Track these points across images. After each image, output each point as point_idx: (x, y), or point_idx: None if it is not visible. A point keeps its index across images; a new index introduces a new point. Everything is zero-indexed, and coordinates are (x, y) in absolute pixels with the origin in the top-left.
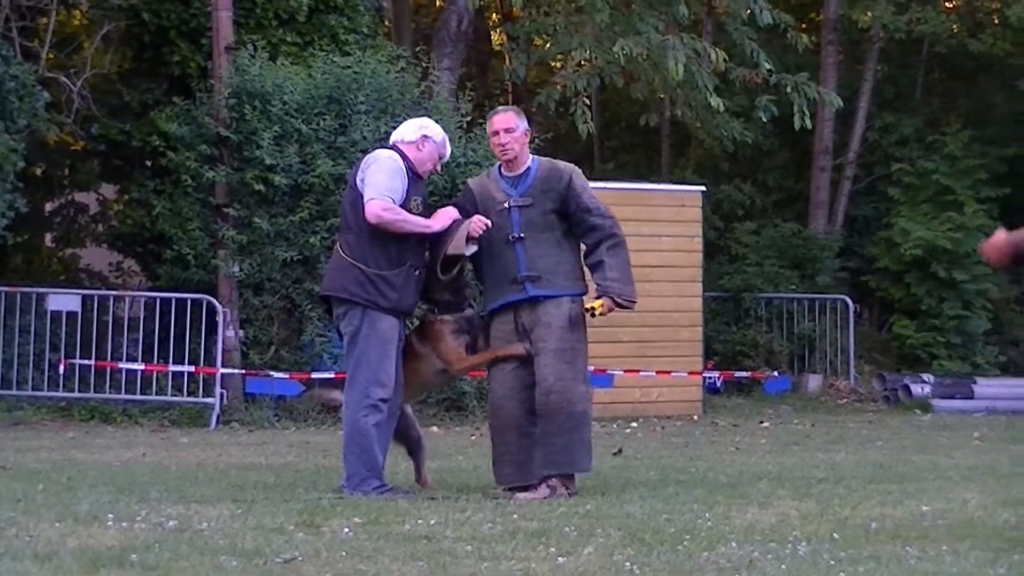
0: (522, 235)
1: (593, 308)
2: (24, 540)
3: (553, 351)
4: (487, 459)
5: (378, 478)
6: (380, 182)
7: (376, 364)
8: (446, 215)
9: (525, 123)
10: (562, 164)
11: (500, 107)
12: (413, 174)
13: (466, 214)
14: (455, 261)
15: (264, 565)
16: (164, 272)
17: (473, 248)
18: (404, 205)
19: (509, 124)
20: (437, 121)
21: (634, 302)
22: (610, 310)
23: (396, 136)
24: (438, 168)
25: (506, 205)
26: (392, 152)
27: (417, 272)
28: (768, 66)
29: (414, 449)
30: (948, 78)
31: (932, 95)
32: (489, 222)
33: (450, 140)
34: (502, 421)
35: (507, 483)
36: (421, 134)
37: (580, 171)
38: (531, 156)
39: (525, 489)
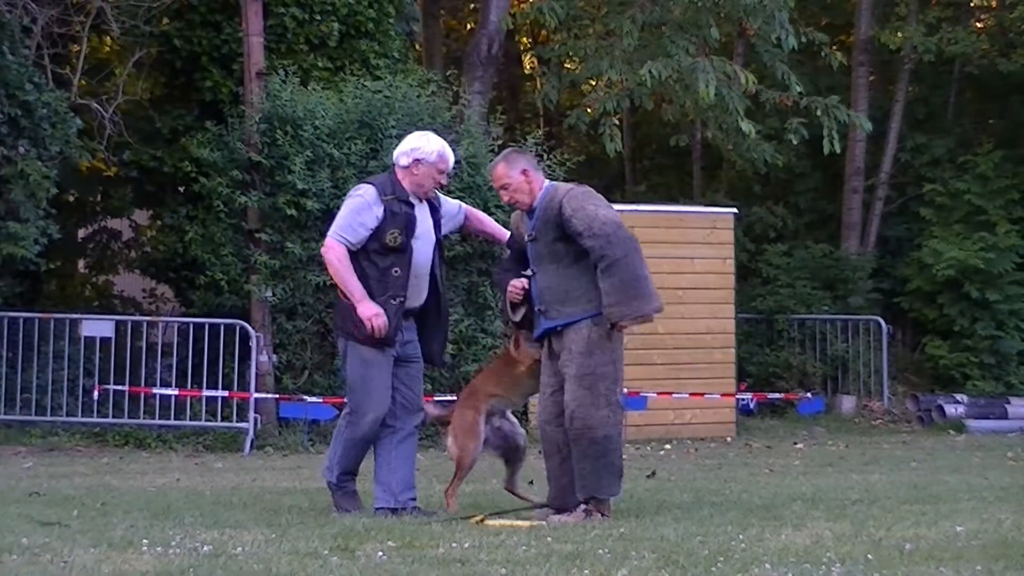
0: (535, 269)
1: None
2: (59, 566)
3: (573, 376)
4: (522, 482)
5: (341, 472)
6: (339, 219)
7: (361, 385)
8: (373, 310)
9: (521, 162)
10: (561, 189)
11: (496, 157)
12: (399, 203)
13: (514, 248)
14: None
15: None
16: (197, 298)
17: (522, 312)
18: (378, 238)
19: (502, 181)
20: (469, 145)
21: (643, 315)
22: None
23: (394, 156)
24: (443, 182)
25: (527, 239)
26: (367, 187)
27: (396, 301)
28: (799, 89)
29: (512, 459)
30: (979, 98)
31: (963, 115)
32: (524, 283)
33: (480, 164)
34: (545, 446)
35: (552, 505)
36: (412, 159)
37: (578, 192)
38: (544, 185)
39: (561, 511)
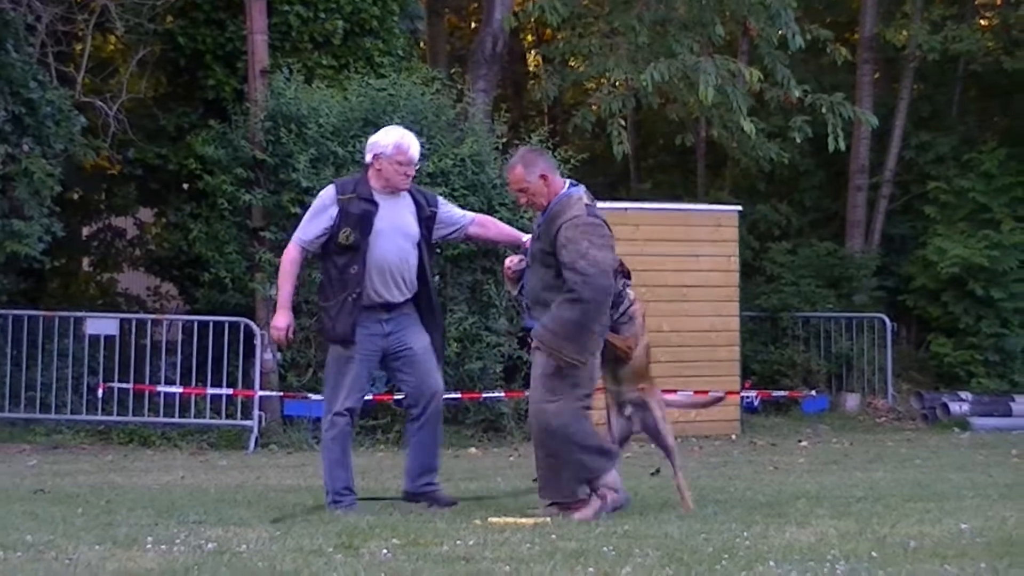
0: (528, 264)
1: None
2: (64, 563)
3: (537, 377)
4: (526, 480)
5: (334, 492)
6: (301, 224)
7: (333, 381)
8: (280, 322)
9: (540, 166)
10: (569, 211)
11: (513, 156)
12: (358, 201)
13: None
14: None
15: None
16: (201, 295)
17: (519, 286)
18: (333, 238)
19: (520, 185)
20: (473, 143)
21: (563, 357)
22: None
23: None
24: (409, 173)
25: (531, 234)
26: (329, 188)
27: (352, 298)
28: (798, 92)
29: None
30: (984, 96)
31: (968, 113)
32: (515, 260)
33: (484, 162)
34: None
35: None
36: (372, 154)
37: (580, 223)
38: (564, 188)
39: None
